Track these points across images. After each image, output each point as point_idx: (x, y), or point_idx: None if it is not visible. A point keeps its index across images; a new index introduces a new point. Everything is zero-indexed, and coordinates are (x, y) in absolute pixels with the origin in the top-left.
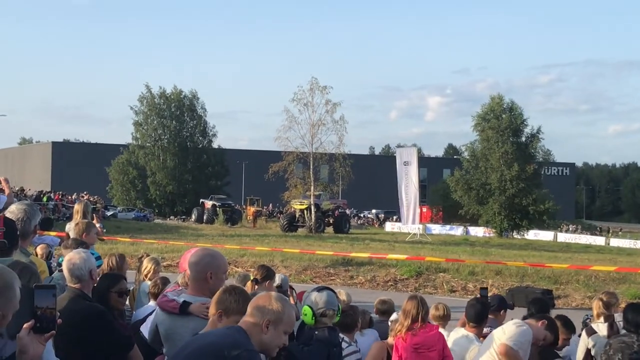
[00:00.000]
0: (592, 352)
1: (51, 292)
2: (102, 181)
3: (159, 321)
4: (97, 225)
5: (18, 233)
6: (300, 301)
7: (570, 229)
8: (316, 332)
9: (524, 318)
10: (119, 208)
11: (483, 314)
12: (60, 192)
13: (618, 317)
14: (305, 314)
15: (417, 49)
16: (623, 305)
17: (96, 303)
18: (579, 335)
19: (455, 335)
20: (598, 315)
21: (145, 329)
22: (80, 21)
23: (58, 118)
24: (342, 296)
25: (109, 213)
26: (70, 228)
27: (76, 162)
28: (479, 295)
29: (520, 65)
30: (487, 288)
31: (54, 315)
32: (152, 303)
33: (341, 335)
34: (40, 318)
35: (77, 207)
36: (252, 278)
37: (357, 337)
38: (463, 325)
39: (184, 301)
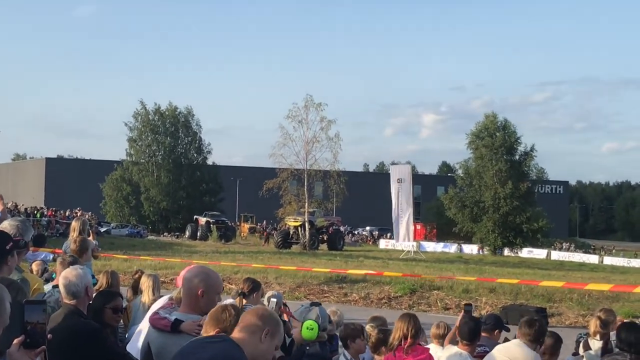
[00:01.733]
0: None
1: (41, 307)
2: (96, 197)
3: (150, 339)
4: (94, 242)
5: (8, 248)
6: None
7: (564, 247)
8: (307, 348)
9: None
10: (112, 224)
11: (476, 331)
12: (54, 209)
13: (614, 336)
14: (311, 329)
15: (413, 66)
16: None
17: (91, 320)
18: (573, 354)
19: (447, 353)
20: (594, 333)
21: (130, 348)
22: (75, 37)
23: (52, 134)
24: (334, 317)
25: (102, 229)
26: (69, 245)
27: (70, 178)
28: (463, 312)
29: (516, 83)
30: (471, 304)
31: (45, 330)
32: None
33: (346, 352)
34: (30, 333)
35: (74, 224)
36: (238, 292)
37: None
38: (453, 343)
39: (176, 319)
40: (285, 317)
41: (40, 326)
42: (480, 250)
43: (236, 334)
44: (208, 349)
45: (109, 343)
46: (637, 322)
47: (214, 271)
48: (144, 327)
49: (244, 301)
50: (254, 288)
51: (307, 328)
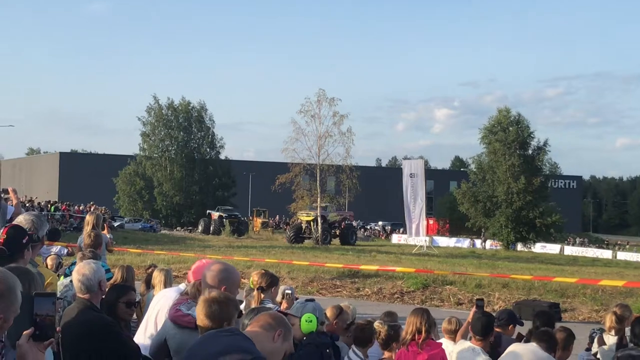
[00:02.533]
0: None
1: (51, 300)
2: (109, 192)
3: (169, 335)
4: (108, 236)
5: (25, 242)
6: None
7: (577, 242)
8: (304, 337)
9: (530, 332)
10: (125, 219)
11: (489, 327)
12: (68, 203)
13: (629, 332)
14: (310, 321)
15: (425, 61)
16: None
17: (104, 314)
18: (586, 350)
19: (460, 347)
20: (610, 328)
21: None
22: (90, 32)
23: (66, 128)
24: (349, 310)
25: (116, 224)
26: (83, 239)
27: (83, 172)
28: (474, 306)
29: (529, 78)
30: (483, 299)
31: (54, 322)
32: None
33: (355, 349)
34: (39, 325)
35: (89, 218)
36: (257, 286)
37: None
38: (465, 338)
39: None
40: None
41: (49, 319)
42: (480, 243)
43: (250, 329)
44: (220, 341)
45: (122, 337)
46: None
47: (233, 267)
48: (150, 321)
49: (262, 295)
50: (272, 282)
51: (306, 321)
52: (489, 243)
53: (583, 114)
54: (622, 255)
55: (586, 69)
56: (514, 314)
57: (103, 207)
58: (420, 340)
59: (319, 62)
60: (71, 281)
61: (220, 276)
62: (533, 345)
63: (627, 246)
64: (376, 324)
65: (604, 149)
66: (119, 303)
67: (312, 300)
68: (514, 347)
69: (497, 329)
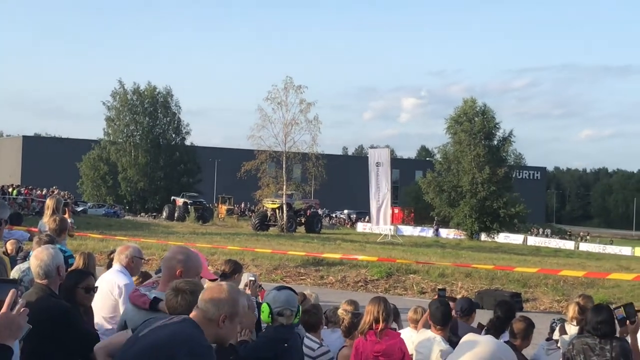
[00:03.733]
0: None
1: (10, 287)
2: (73, 176)
3: (128, 317)
4: (69, 220)
5: None
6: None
7: (540, 232)
8: (263, 330)
9: (491, 321)
10: (89, 204)
11: (449, 315)
12: (30, 187)
13: None
14: (263, 311)
15: (393, 50)
16: None
17: (62, 300)
18: (547, 339)
19: (421, 337)
20: (572, 318)
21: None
22: (55, 15)
23: (30, 112)
24: (312, 298)
25: (79, 209)
26: (44, 224)
27: (47, 156)
28: (436, 296)
29: (496, 69)
30: (445, 289)
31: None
32: None
33: (309, 335)
34: None
35: (49, 202)
36: (220, 273)
37: (326, 335)
38: (426, 327)
39: (155, 297)
40: (260, 299)
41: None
42: (457, 235)
43: (195, 316)
44: (168, 327)
45: (82, 323)
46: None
47: (195, 252)
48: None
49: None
50: (235, 270)
51: (262, 310)
52: (452, 232)
53: (548, 105)
54: (584, 246)
55: (553, 60)
56: (471, 301)
57: (66, 192)
58: (379, 330)
59: (288, 49)
60: (29, 266)
61: (179, 257)
62: (489, 336)
63: (589, 237)
64: (340, 312)
65: (569, 140)
66: (78, 289)
67: (286, 288)
68: (471, 336)
69: (461, 320)
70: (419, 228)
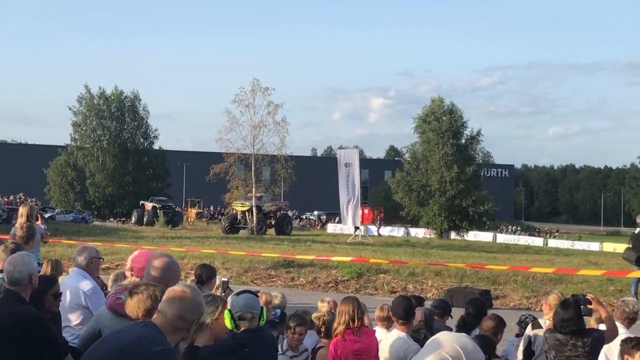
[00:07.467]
0: (532, 347)
1: None
2: (40, 182)
3: (104, 324)
4: (42, 227)
5: None
6: None
7: (510, 230)
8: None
9: (462, 318)
10: (57, 210)
11: (411, 309)
12: None
13: None
14: (225, 318)
15: (362, 50)
16: None
17: (32, 307)
18: (516, 335)
19: (391, 337)
20: (546, 314)
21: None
22: (20, 19)
23: None
24: (277, 300)
25: (47, 215)
26: (16, 231)
27: (13, 163)
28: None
29: (464, 68)
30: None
31: None
32: None
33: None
34: None
35: (22, 210)
36: (196, 279)
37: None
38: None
39: None
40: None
41: None
42: (428, 234)
43: (157, 320)
44: (133, 331)
45: (51, 330)
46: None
47: (176, 261)
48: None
49: (201, 288)
50: (211, 275)
51: (224, 318)
52: (422, 231)
53: (516, 103)
54: (553, 243)
55: (520, 58)
56: (448, 303)
57: (34, 199)
58: (356, 328)
59: (256, 51)
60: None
61: (168, 268)
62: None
63: (558, 233)
64: (317, 313)
65: (536, 138)
66: (47, 295)
67: (245, 292)
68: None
69: (437, 318)
70: (388, 228)
